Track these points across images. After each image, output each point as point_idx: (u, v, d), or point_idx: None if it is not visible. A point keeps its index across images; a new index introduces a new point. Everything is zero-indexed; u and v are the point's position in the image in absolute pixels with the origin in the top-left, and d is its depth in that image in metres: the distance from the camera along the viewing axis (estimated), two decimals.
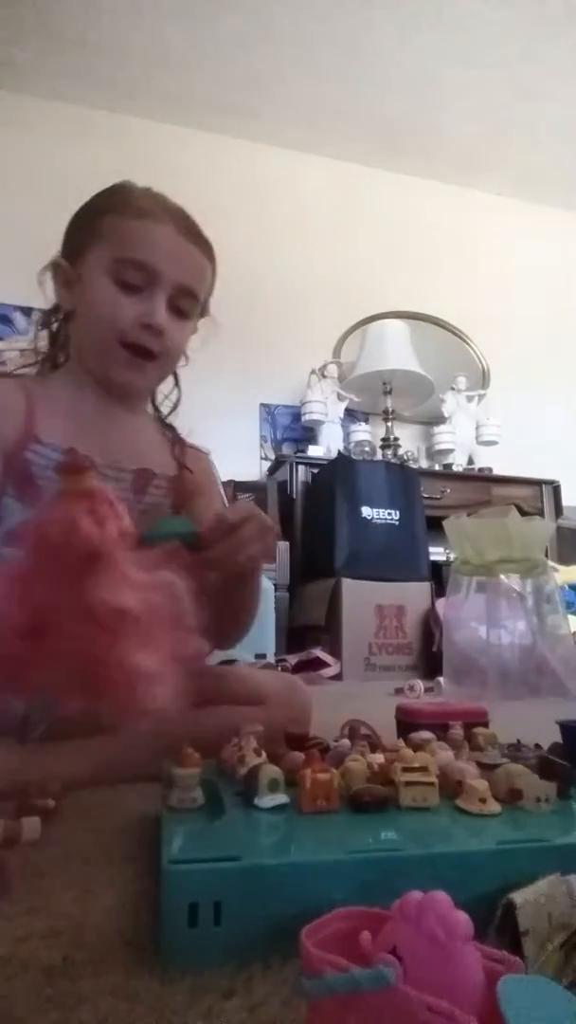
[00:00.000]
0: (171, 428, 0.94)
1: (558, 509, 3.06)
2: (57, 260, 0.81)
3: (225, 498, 0.99)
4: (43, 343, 0.89)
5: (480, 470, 3.17)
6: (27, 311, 2.85)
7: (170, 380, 0.92)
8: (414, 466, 2.95)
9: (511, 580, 1.75)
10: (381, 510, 2.56)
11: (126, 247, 0.76)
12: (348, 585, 2.35)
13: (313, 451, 2.94)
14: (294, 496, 2.72)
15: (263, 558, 0.73)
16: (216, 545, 0.66)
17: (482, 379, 3.48)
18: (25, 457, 0.76)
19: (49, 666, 0.45)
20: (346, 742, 0.65)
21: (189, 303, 0.81)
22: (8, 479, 0.76)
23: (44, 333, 0.88)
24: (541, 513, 2.92)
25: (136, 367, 0.80)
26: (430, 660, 2.29)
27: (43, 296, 0.84)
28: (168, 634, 0.46)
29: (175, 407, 0.94)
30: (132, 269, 0.76)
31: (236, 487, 2.63)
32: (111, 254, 0.76)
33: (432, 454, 3.27)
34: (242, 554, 0.67)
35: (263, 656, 2.05)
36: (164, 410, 0.95)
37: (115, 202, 0.79)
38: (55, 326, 0.87)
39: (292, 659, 2.18)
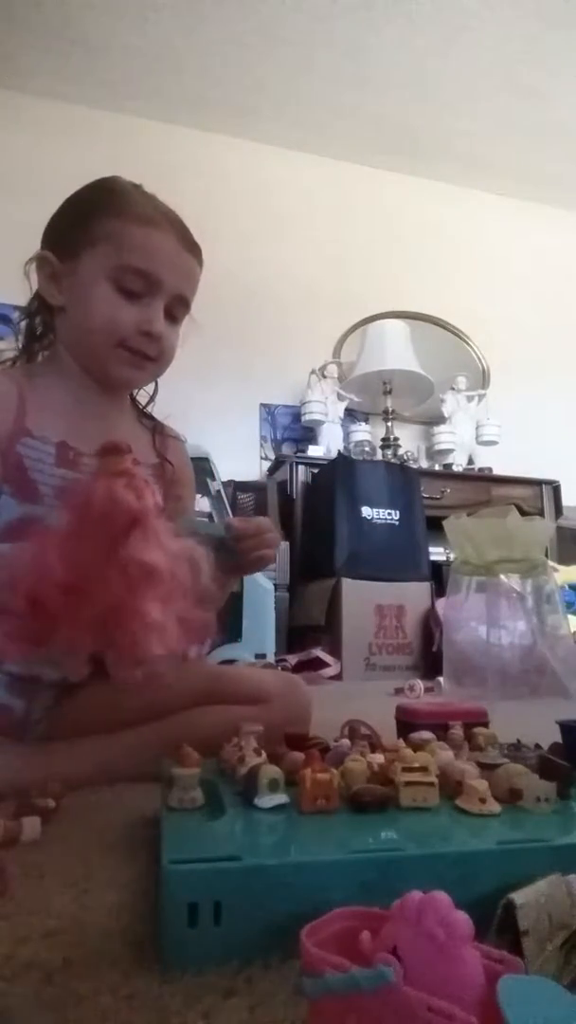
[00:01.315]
0: (149, 417, 0.95)
1: (558, 509, 3.06)
2: (46, 255, 0.81)
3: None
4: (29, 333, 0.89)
5: (480, 470, 3.16)
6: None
7: None
8: (414, 466, 2.95)
9: (511, 580, 1.75)
10: (381, 510, 2.56)
11: (130, 254, 0.77)
12: (348, 585, 2.35)
13: (313, 451, 2.94)
14: (294, 496, 2.72)
15: (269, 562, 0.82)
16: (242, 546, 0.76)
17: (482, 379, 3.48)
18: (17, 452, 0.76)
19: (79, 616, 0.51)
20: (346, 742, 0.65)
21: (182, 310, 0.83)
22: (2, 475, 0.76)
23: (24, 325, 0.88)
24: (541, 513, 2.92)
25: (136, 365, 0.81)
26: (430, 660, 2.29)
27: (28, 287, 0.84)
28: (182, 599, 0.53)
29: (152, 398, 0.95)
30: (135, 277, 0.77)
31: (236, 487, 2.63)
32: (114, 260, 0.77)
33: (432, 454, 3.27)
34: (260, 558, 0.78)
35: (263, 656, 2.05)
36: (142, 403, 0.97)
37: (115, 204, 0.79)
38: (37, 318, 0.87)
39: (292, 659, 2.18)
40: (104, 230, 0.77)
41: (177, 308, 0.82)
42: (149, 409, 0.96)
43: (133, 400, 0.95)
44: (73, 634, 0.52)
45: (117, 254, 0.77)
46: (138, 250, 0.77)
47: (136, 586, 0.49)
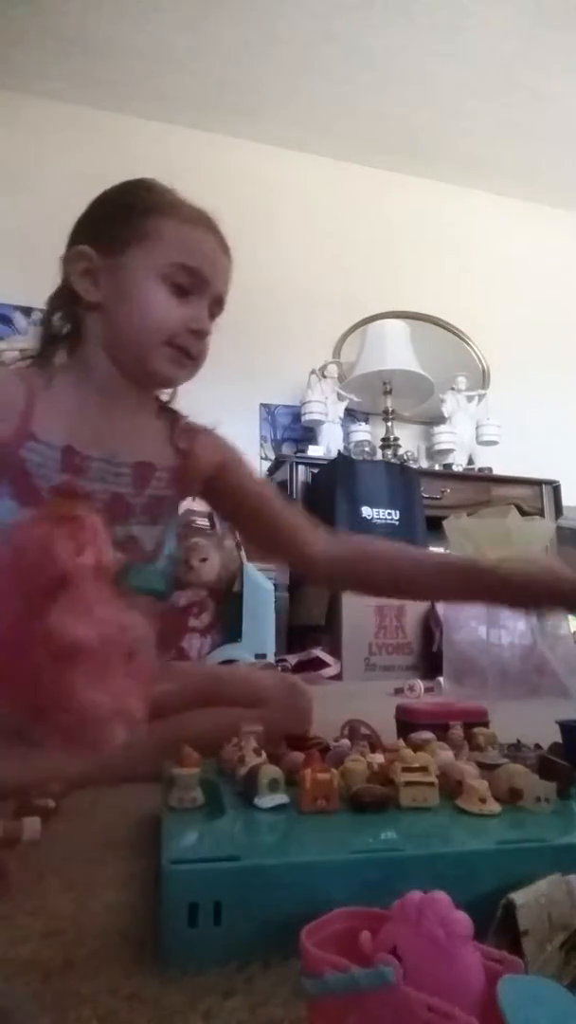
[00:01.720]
0: (171, 412, 0.92)
1: (558, 509, 3.06)
2: (86, 250, 0.79)
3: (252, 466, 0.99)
4: (56, 330, 0.86)
5: (480, 470, 3.16)
6: (27, 311, 2.85)
7: None
8: (414, 466, 2.95)
9: None
10: (381, 510, 2.56)
11: (181, 252, 0.77)
12: None
13: (313, 451, 2.93)
14: (294, 496, 2.72)
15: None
16: None
17: (482, 379, 3.48)
18: (20, 455, 0.75)
19: (3, 686, 0.44)
20: (346, 742, 0.65)
21: (217, 311, 0.83)
22: (3, 477, 0.75)
23: (57, 321, 0.85)
24: (541, 513, 2.92)
25: (179, 363, 0.80)
26: (430, 660, 2.29)
27: (59, 277, 0.81)
28: (124, 672, 0.44)
29: (173, 394, 0.93)
30: (186, 275, 0.77)
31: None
32: (166, 257, 0.77)
33: (432, 454, 3.27)
34: None
35: (263, 656, 2.05)
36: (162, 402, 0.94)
37: (163, 204, 0.79)
38: (65, 314, 0.84)
39: (292, 659, 2.18)
40: (155, 227, 0.77)
41: (215, 309, 0.82)
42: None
43: (156, 396, 0.92)
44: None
45: (169, 252, 0.77)
46: (190, 249, 0.78)
47: (60, 661, 0.41)
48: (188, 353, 0.80)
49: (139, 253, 0.77)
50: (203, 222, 0.80)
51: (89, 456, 0.78)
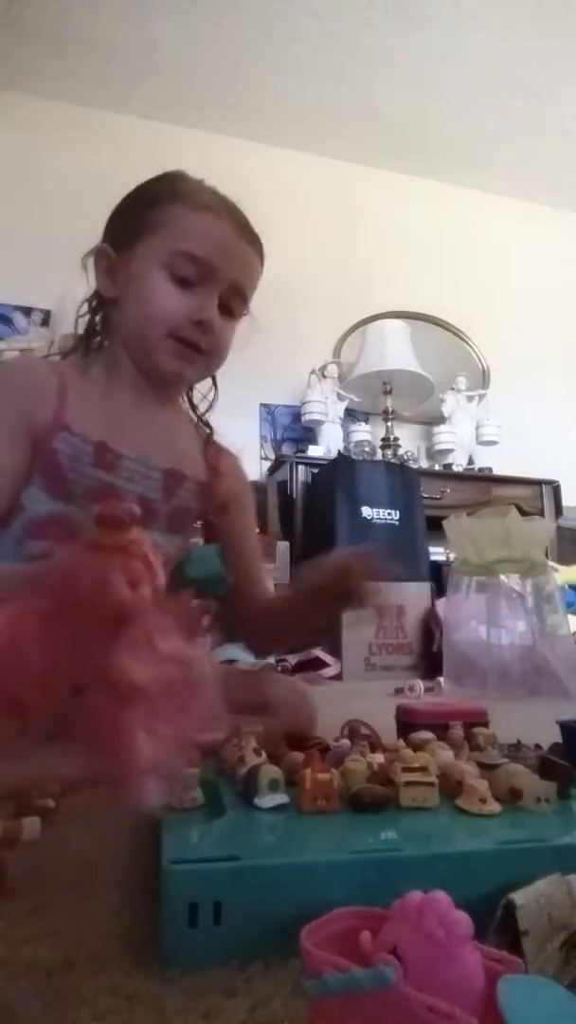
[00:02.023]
0: (208, 426, 0.92)
1: (558, 509, 3.06)
2: (103, 247, 0.79)
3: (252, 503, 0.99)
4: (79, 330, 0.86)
5: (480, 470, 3.16)
6: (27, 311, 2.85)
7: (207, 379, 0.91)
8: (414, 466, 2.95)
9: (511, 580, 1.75)
10: (381, 510, 2.56)
11: (184, 240, 0.74)
12: None
13: (313, 451, 2.93)
14: (294, 496, 2.72)
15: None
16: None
17: (482, 379, 3.48)
18: (53, 446, 0.73)
19: (57, 718, 0.42)
20: (346, 742, 0.65)
21: (238, 303, 0.80)
22: (35, 467, 0.73)
23: (84, 320, 0.86)
24: (541, 513, 2.92)
25: (185, 356, 0.77)
26: (430, 660, 2.29)
27: (87, 282, 0.81)
28: (178, 716, 0.43)
29: (212, 405, 0.92)
30: (188, 263, 0.74)
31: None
32: (167, 246, 0.74)
33: (432, 454, 3.27)
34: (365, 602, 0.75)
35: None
36: (199, 411, 0.93)
37: (174, 191, 0.76)
38: (95, 313, 0.84)
39: (292, 659, 2.17)
40: (159, 218, 0.75)
41: (233, 301, 0.78)
42: (208, 416, 0.92)
43: (192, 405, 0.92)
44: (50, 727, 0.43)
45: (170, 240, 0.74)
46: (191, 235, 0.74)
47: (120, 701, 0.40)
48: (195, 347, 0.77)
49: (147, 244, 0.75)
50: (215, 208, 0.76)
51: (122, 454, 0.76)
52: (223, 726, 0.59)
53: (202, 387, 0.92)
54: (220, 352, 0.80)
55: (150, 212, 0.76)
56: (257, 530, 0.99)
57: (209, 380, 0.90)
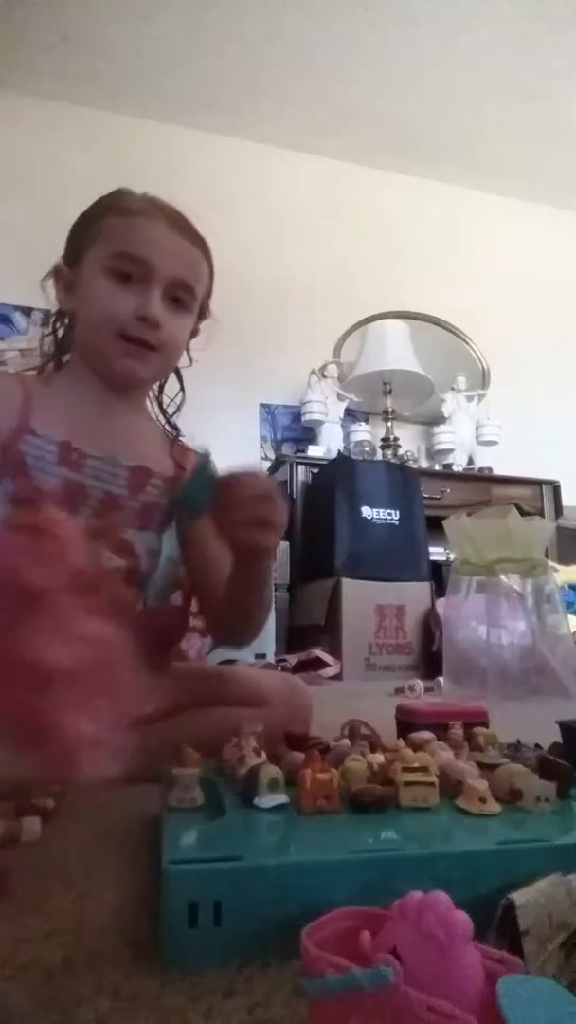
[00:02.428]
0: (175, 428, 0.94)
1: (558, 509, 3.06)
2: (58, 265, 0.84)
3: None
4: (47, 347, 0.90)
5: (480, 470, 3.16)
6: (27, 311, 2.85)
7: (175, 381, 0.93)
8: (414, 466, 2.95)
9: (511, 580, 1.74)
10: (381, 510, 2.56)
11: (120, 242, 0.78)
12: (348, 585, 2.35)
13: (313, 451, 2.93)
14: (294, 496, 2.72)
15: (263, 535, 0.68)
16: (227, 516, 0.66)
17: (482, 379, 3.48)
18: (19, 449, 0.76)
19: None
20: (346, 742, 0.65)
21: (186, 295, 0.82)
22: (4, 472, 0.76)
23: (48, 338, 0.90)
24: (541, 513, 2.92)
25: (137, 355, 0.80)
26: (430, 660, 2.29)
27: (45, 300, 0.85)
28: (108, 693, 0.41)
29: (179, 408, 0.94)
30: (126, 262, 0.77)
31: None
32: (106, 251, 0.78)
33: (432, 454, 3.27)
34: (240, 516, 0.66)
35: (263, 656, 2.05)
36: (168, 414, 0.95)
37: (110, 204, 0.81)
38: (59, 330, 0.89)
39: (292, 659, 2.18)
40: (101, 227, 0.80)
41: (179, 293, 0.81)
42: (176, 418, 0.94)
43: (162, 409, 0.94)
44: None
45: (109, 245, 0.78)
46: (126, 237, 0.78)
47: (40, 687, 0.38)
48: (145, 344, 0.79)
49: (91, 254, 0.80)
50: (144, 210, 0.79)
51: (86, 453, 0.79)
52: (147, 703, 0.58)
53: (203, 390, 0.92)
54: (171, 346, 0.82)
55: (92, 225, 0.81)
56: None
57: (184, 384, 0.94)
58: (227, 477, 0.68)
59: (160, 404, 0.94)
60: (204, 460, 0.76)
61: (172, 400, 0.95)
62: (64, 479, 0.77)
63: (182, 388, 0.94)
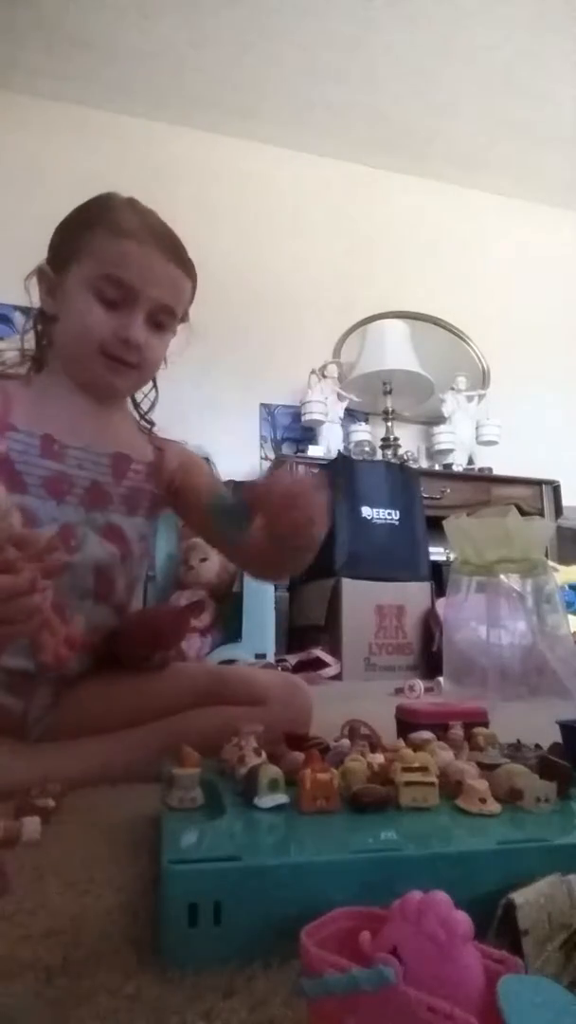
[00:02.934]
0: (150, 423, 0.97)
1: (558, 509, 3.06)
2: (42, 267, 0.85)
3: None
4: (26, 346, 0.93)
5: (480, 470, 3.16)
6: (27, 311, 2.85)
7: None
8: (414, 466, 2.95)
9: (511, 580, 1.74)
10: (381, 510, 2.56)
11: (109, 265, 0.79)
12: (348, 585, 2.35)
13: (313, 451, 2.93)
14: None
15: (308, 534, 0.70)
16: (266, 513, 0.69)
17: (482, 379, 3.48)
18: (2, 445, 0.78)
19: None
20: (346, 742, 0.65)
21: (167, 318, 0.85)
22: None
23: (29, 334, 0.92)
24: (541, 513, 2.92)
25: (116, 371, 0.83)
26: (430, 660, 2.29)
27: (29, 299, 0.87)
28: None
29: (152, 406, 0.97)
30: (113, 286, 0.79)
31: (236, 487, 2.62)
32: (95, 271, 0.79)
33: (432, 454, 3.27)
34: (282, 527, 0.68)
35: (263, 656, 2.05)
36: (142, 410, 0.99)
37: (101, 218, 0.81)
38: (39, 329, 0.91)
39: (292, 659, 2.18)
40: (88, 243, 0.80)
41: (161, 316, 0.83)
42: (151, 415, 0.98)
43: (135, 404, 0.97)
44: None
45: (97, 265, 0.79)
46: (116, 261, 0.79)
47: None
48: (124, 362, 0.82)
49: (76, 268, 0.81)
50: (135, 233, 0.80)
51: (68, 444, 0.82)
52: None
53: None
54: (149, 364, 0.86)
55: (79, 237, 0.81)
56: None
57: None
58: (260, 488, 0.71)
59: (134, 402, 0.97)
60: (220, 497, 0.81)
61: (146, 396, 0.98)
62: (50, 470, 0.80)
63: (155, 387, 0.96)
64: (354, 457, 2.86)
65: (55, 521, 0.79)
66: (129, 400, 0.96)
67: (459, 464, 3.17)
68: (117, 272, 0.79)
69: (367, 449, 3.04)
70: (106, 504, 0.84)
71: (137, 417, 0.97)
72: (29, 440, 0.80)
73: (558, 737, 0.69)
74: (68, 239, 0.83)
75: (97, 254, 0.79)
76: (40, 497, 0.79)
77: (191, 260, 0.86)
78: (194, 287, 0.88)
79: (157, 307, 0.82)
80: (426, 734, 0.64)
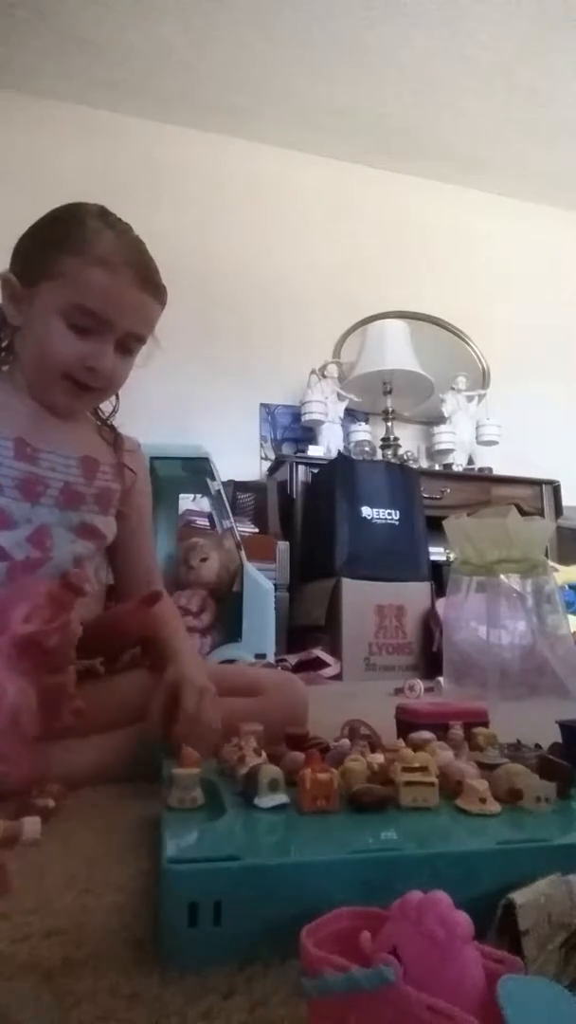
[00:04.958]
0: (111, 429, 0.97)
1: (558, 509, 3.06)
2: (8, 277, 0.83)
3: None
4: None
5: (480, 470, 3.16)
6: None
7: None
8: (414, 466, 2.95)
9: (511, 580, 1.74)
10: (381, 510, 2.56)
11: (80, 294, 0.78)
12: (348, 585, 2.35)
13: (313, 451, 2.93)
14: (294, 496, 2.72)
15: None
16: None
17: (482, 379, 3.48)
18: None
19: None
20: (346, 742, 0.65)
21: (136, 343, 0.85)
22: None
23: None
24: (541, 513, 2.92)
25: (76, 396, 0.84)
26: (430, 660, 2.29)
27: None
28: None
29: (113, 412, 0.97)
30: (84, 316, 0.79)
31: (236, 487, 2.63)
32: (67, 297, 0.78)
33: (432, 454, 3.27)
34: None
35: (263, 656, 2.05)
36: (103, 417, 0.99)
37: (75, 242, 0.79)
38: (3, 340, 0.90)
39: (292, 659, 2.18)
40: (61, 267, 0.79)
41: (128, 342, 0.84)
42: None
43: (98, 414, 0.98)
44: None
45: (70, 292, 0.78)
46: (87, 290, 0.78)
47: None
48: (87, 387, 0.83)
49: (46, 289, 0.80)
50: (111, 263, 0.79)
51: (40, 448, 0.83)
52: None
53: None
54: (112, 388, 0.87)
55: (51, 257, 0.80)
56: (243, 534, 1.02)
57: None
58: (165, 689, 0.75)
59: (96, 412, 0.97)
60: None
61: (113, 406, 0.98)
62: (24, 472, 0.81)
63: (116, 397, 0.96)
64: (354, 457, 2.86)
65: (30, 522, 0.80)
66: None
67: (459, 464, 3.17)
68: (89, 304, 0.78)
69: (367, 449, 3.05)
70: (79, 504, 0.86)
71: (97, 423, 0.97)
72: (3, 443, 0.81)
73: (558, 737, 0.69)
74: (38, 256, 0.81)
75: (69, 280, 0.78)
76: (15, 499, 0.80)
77: (163, 284, 0.85)
78: (163, 308, 0.87)
79: (127, 335, 0.82)
80: (426, 734, 0.64)
